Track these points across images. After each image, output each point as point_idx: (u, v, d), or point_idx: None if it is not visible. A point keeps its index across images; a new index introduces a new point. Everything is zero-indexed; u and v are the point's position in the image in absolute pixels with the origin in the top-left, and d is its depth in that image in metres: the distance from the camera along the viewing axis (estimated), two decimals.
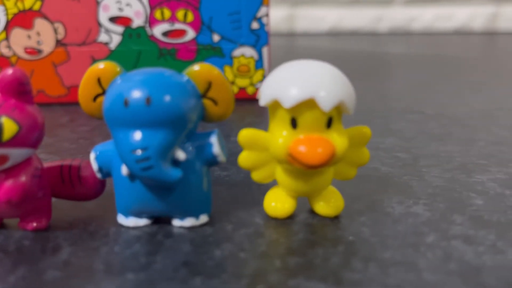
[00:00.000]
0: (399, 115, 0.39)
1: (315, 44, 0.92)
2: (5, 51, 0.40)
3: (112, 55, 0.41)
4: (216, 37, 0.41)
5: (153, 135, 0.19)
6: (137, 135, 0.19)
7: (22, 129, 0.18)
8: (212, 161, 0.20)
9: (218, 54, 0.42)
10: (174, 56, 0.42)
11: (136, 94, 0.19)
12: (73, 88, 0.42)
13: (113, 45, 0.41)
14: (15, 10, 0.40)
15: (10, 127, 0.18)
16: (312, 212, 0.22)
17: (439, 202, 0.23)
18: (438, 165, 0.27)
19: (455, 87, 0.49)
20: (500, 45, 0.90)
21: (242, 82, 0.43)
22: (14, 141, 0.18)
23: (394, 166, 0.27)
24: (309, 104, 0.19)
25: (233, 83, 0.43)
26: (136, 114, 0.19)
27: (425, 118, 0.37)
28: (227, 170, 0.27)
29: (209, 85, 0.20)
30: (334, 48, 0.86)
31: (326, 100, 0.19)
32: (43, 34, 0.40)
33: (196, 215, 0.21)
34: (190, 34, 0.41)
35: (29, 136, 0.19)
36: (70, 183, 0.21)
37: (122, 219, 0.21)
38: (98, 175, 0.21)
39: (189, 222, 0.21)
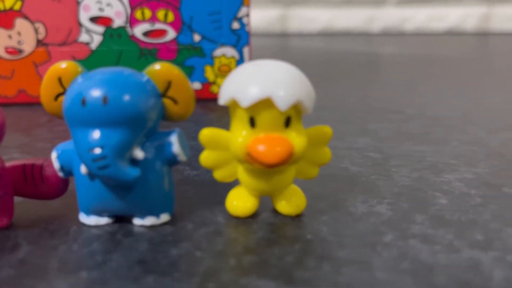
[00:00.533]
0: (378, 115, 0.39)
1: (307, 44, 0.92)
2: None
3: (93, 55, 0.41)
4: (197, 37, 0.41)
5: (110, 134, 0.19)
6: (94, 134, 0.19)
7: None
8: (172, 160, 0.20)
9: (199, 54, 0.42)
10: (155, 56, 0.42)
11: (94, 93, 0.19)
12: None
13: (94, 45, 0.41)
14: None
15: None
16: (275, 211, 0.22)
17: (403, 202, 0.23)
18: (408, 165, 0.27)
19: (440, 88, 0.49)
20: (491, 45, 0.90)
21: (223, 81, 0.43)
22: None
23: (363, 166, 0.27)
24: (267, 103, 0.19)
25: (214, 83, 0.43)
26: (93, 113, 0.19)
27: (404, 118, 0.38)
28: (197, 169, 0.27)
29: (168, 84, 0.20)
30: (325, 48, 0.86)
31: (283, 99, 0.19)
32: (24, 34, 0.40)
33: (156, 214, 0.21)
34: (171, 34, 0.41)
35: None
36: (33, 182, 0.21)
37: (83, 218, 0.21)
38: (60, 174, 0.21)
39: (149, 221, 0.21)
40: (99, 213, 0.21)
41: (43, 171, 0.21)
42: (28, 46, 0.41)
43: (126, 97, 0.19)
